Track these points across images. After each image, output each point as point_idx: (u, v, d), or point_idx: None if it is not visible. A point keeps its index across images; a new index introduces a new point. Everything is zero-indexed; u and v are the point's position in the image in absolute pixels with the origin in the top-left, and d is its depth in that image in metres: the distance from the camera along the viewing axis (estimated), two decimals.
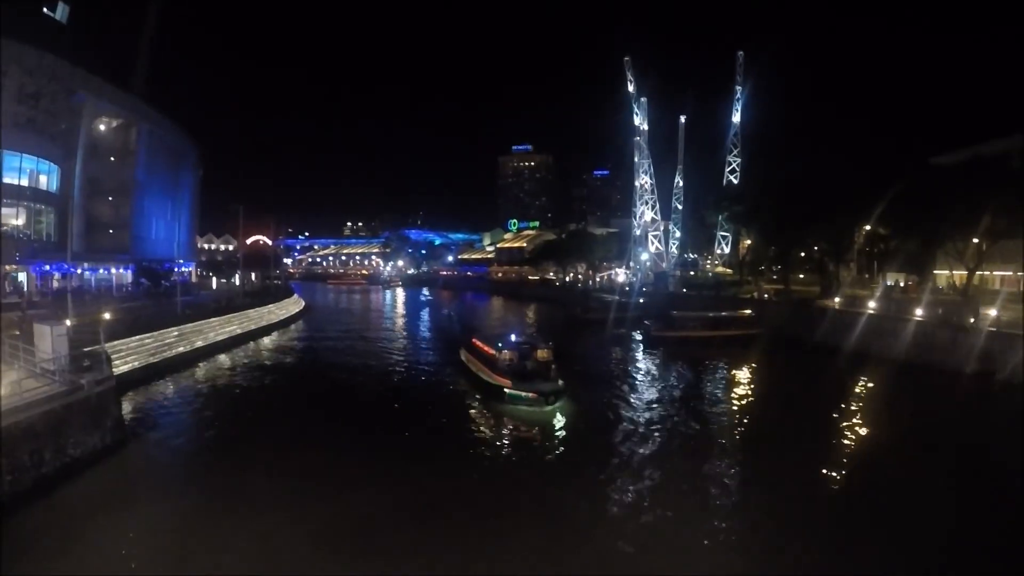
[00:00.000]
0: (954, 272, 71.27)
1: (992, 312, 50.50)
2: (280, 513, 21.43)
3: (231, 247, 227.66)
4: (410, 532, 20.54)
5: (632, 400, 40.39)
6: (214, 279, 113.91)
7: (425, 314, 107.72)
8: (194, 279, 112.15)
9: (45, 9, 79.45)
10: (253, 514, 21.36)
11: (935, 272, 74.96)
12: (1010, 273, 69.32)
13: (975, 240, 62.78)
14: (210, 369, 48.37)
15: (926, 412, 37.46)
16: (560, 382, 37.12)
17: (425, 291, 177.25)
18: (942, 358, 47.38)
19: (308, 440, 30.05)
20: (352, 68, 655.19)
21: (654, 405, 39.43)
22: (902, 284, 79.86)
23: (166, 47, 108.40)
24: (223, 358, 53.20)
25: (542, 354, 39.57)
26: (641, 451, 29.35)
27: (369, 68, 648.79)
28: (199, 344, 53.17)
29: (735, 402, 40.99)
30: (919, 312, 54.23)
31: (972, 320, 48.96)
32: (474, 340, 46.18)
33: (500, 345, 39.93)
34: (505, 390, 36.79)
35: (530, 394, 35.79)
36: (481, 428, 34.00)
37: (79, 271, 75.50)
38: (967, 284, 65.48)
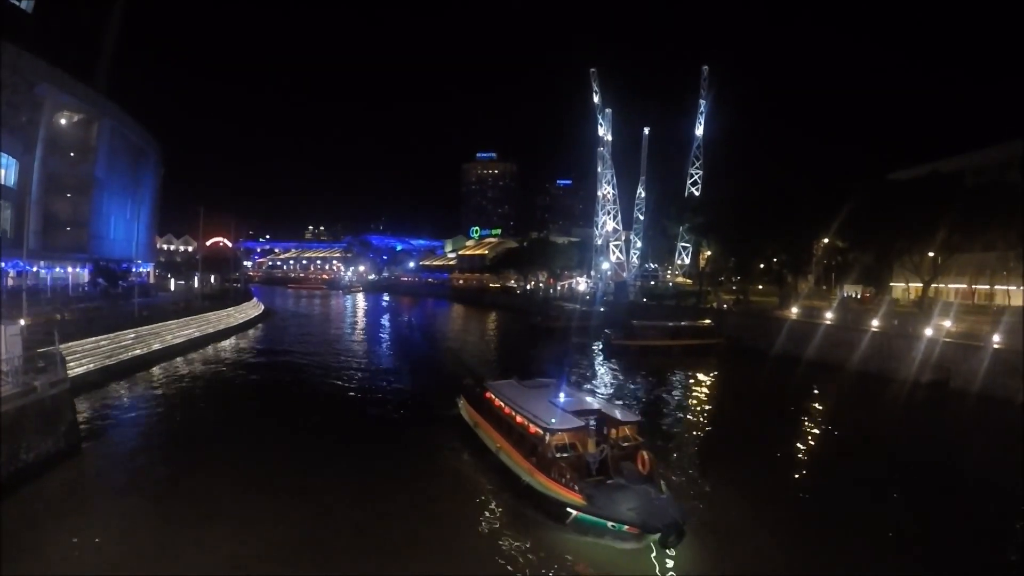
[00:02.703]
0: (910, 284, 72.53)
1: (947, 323, 51.24)
2: (232, 522, 20.46)
3: (190, 248, 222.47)
4: None
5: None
6: (172, 280, 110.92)
7: (386, 321, 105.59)
8: (152, 280, 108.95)
9: None
10: (206, 521, 20.47)
11: (891, 284, 76.26)
12: (964, 286, 71.12)
13: (931, 254, 63.81)
14: (166, 373, 46.50)
15: (881, 420, 38.09)
16: (666, 492, 20.02)
17: (386, 297, 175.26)
18: (898, 367, 47.64)
19: (260, 455, 27.87)
20: (318, 71, 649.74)
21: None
22: (859, 295, 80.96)
23: (131, 44, 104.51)
24: (179, 362, 51.38)
25: (628, 431, 23.28)
26: None
27: (335, 71, 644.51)
28: (156, 347, 51.56)
29: (699, 414, 40.13)
30: (875, 323, 54.70)
31: (927, 331, 49.37)
32: (489, 394, 28.19)
33: (552, 421, 22.32)
34: (571, 511, 19.55)
35: (625, 526, 18.60)
36: None
37: (35, 269, 72.52)
38: (923, 296, 66.65)
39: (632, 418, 23.98)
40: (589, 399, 26.45)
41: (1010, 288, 67.42)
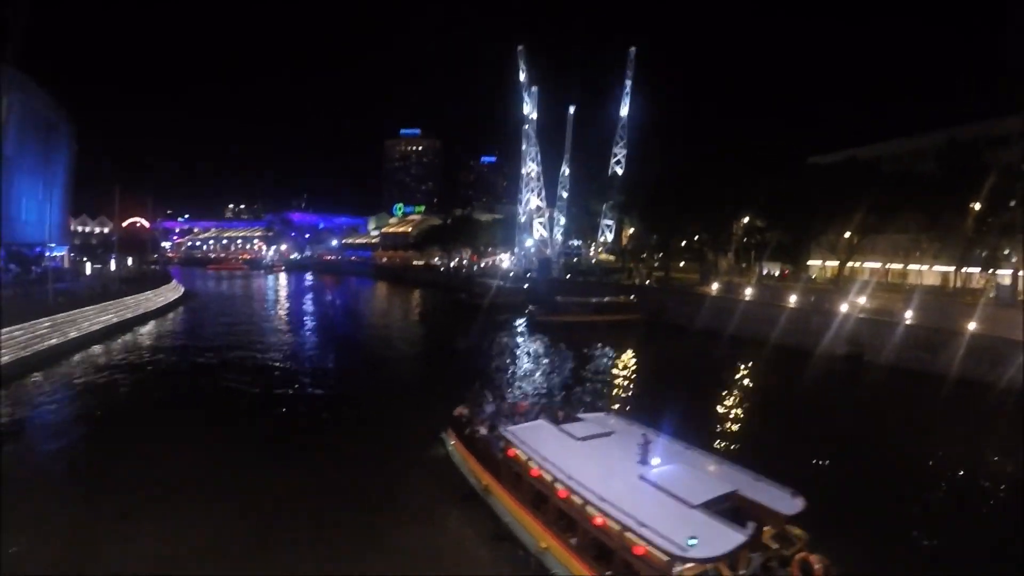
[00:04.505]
0: (827, 263, 75.04)
1: (861, 300, 52.61)
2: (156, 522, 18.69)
3: (106, 230, 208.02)
4: None
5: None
6: (88, 264, 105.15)
7: (310, 301, 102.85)
8: (67, 264, 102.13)
9: None
10: (126, 521, 18.89)
11: (809, 262, 78.57)
12: (878, 265, 74.27)
13: (847, 234, 65.84)
14: (85, 362, 43.70)
15: (807, 392, 38.65)
16: None
17: (309, 276, 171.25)
18: (816, 342, 48.63)
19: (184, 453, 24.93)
20: (237, 45, 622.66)
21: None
22: (777, 273, 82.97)
23: (44, 16, 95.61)
24: (98, 350, 48.75)
25: (787, 526, 14.40)
26: None
27: (256, 46, 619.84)
28: (73, 335, 48.89)
29: (634, 388, 39.97)
30: (793, 299, 55.74)
31: (843, 307, 50.46)
32: (515, 452, 18.00)
33: (687, 542, 12.04)
34: None
35: None
36: None
37: None
38: (839, 274, 68.88)
39: (795, 506, 14.14)
40: (709, 467, 16.39)
41: (922, 268, 70.69)
